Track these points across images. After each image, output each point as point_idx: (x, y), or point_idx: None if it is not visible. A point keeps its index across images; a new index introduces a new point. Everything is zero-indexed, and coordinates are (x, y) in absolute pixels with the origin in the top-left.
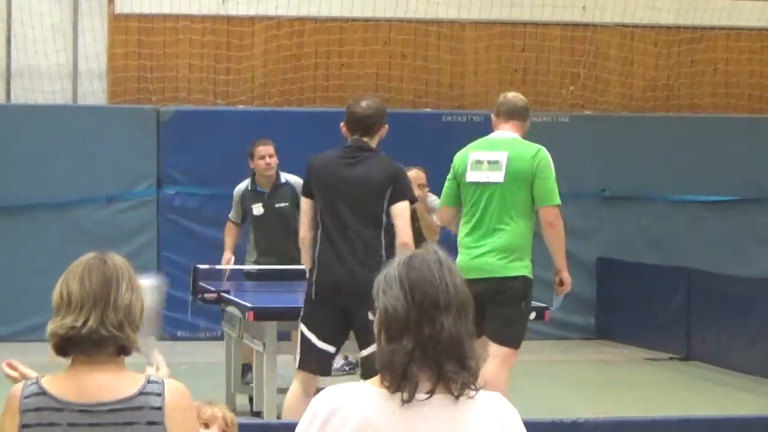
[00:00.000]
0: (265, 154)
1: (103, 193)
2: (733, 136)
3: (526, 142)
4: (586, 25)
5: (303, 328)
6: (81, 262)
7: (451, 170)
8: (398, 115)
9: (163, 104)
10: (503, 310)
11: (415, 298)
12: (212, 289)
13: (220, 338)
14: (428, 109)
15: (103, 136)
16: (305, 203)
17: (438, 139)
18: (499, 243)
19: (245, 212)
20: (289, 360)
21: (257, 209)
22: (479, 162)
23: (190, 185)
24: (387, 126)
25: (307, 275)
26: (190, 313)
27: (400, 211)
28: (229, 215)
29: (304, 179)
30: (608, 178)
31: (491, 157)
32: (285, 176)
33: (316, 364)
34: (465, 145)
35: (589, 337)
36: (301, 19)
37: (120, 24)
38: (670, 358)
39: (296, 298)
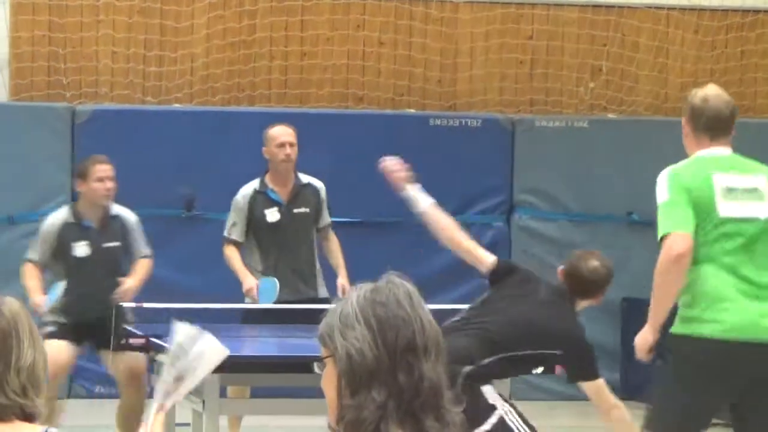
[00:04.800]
0: (104, 176)
1: (4, 213)
2: None
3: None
4: (610, 7)
5: None
6: None
7: (681, 188)
8: (374, 117)
9: (80, 102)
10: None
11: (386, 341)
12: (139, 333)
13: (149, 396)
14: (412, 110)
15: (4, 141)
16: None
17: (423, 148)
18: None
19: (61, 252)
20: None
21: (81, 249)
22: (732, 189)
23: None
24: None
25: None
26: None
27: None
28: (30, 255)
29: None
30: (637, 197)
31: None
32: (115, 207)
33: None
34: (457, 154)
35: None
36: None
37: (25, 0)
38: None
39: (246, 343)
